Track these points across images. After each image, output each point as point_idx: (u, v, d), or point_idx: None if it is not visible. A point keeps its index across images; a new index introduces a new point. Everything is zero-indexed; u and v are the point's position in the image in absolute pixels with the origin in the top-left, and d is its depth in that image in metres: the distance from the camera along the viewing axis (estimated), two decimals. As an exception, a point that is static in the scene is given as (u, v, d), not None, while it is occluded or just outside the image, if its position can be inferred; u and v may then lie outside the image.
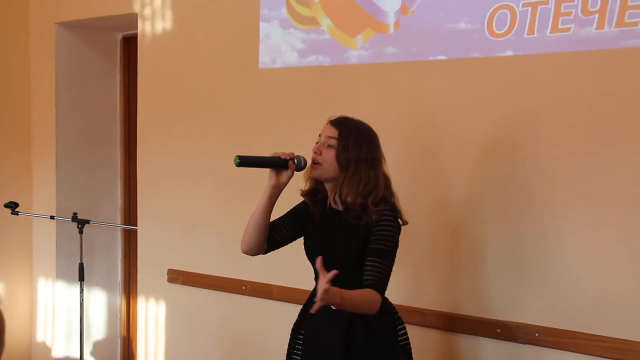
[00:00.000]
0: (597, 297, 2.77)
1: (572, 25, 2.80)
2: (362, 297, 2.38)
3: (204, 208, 4.04)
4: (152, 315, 4.33)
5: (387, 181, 2.56)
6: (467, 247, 3.10)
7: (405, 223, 2.56)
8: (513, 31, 2.93)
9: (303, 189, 2.64)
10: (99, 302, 4.96)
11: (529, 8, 2.88)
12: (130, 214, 4.99)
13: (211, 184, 4.01)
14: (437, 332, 3.17)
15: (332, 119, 2.56)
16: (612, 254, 2.75)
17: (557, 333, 2.84)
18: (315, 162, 2.51)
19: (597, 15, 2.73)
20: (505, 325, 2.97)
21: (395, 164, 3.21)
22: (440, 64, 3.15)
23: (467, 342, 3.10)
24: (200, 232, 4.07)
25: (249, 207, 3.76)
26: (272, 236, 2.63)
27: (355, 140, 2.48)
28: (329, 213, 2.59)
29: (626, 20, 2.68)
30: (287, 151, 2.53)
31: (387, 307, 2.56)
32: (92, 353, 4.91)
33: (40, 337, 5.00)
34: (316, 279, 2.61)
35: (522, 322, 2.93)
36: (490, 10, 2.98)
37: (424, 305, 3.19)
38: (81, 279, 4.35)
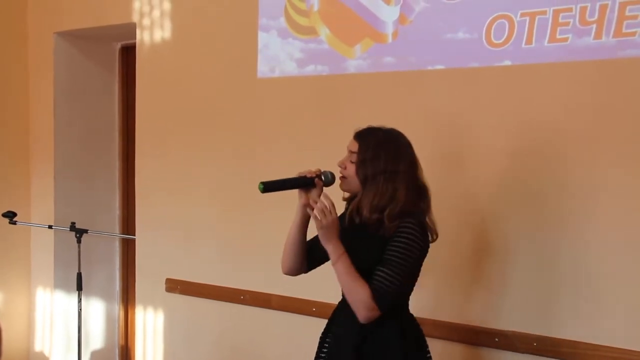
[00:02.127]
0: (596, 306, 2.77)
1: (570, 35, 2.81)
2: (356, 282, 2.35)
3: (202, 218, 4.04)
4: (150, 325, 4.32)
5: (420, 193, 2.48)
6: (465, 258, 3.10)
7: (434, 239, 2.50)
8: (511, 41, 2.94)
9: (344, 196, 2.60)
10: (97, 312, 4.96)
11: (527, 18, 2.89)
12: (128, 224, 4.99)
13: (209, 194, 4.01)
14: (435, 341, 3.16)
15: (357, 130, 2.53)
16: (610, 262, 2.75)
17: (556, 342, 2.84)
18: (342, 177, 2.51)
19: (594, 26, 2.74)
20: (504, 334, 2.97)
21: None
22: (438, 74, 3.16)
23: (465, 352, 3.09)
24: (198, 242, 4.07)
25: (247, 217, 3.79)
26: (311, 254, 2.60)
27: (373, 154, 2.43)
28: (352, 224, 2.52)
29: (624, 31, 2.69)
30: (314, 168, 2.51)
31: (405, 320, 2.52)
32: (90, 363, 4.91)
33: (38, 347, 4.99)
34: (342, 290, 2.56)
35: (521, 331, 2.93)
36: (489, 20, 2.99)
37: (423, 315, 3.18)
38: (79, 288, 4.34)
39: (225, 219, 3.92)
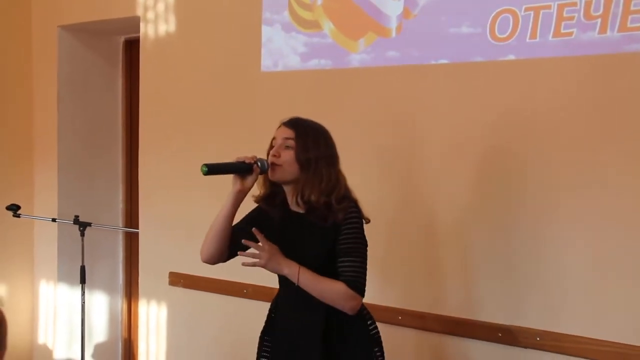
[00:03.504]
0: (599, 301, 2.77)
1: (575, 30, 2.80)
2: (327, 283, 2.39)
3: (205, 211, 4.01)
4: (153, 318, 4.33)
5: (344, 178, 2.54)
6: (469, 251, 3.10)
7: (367, 221, 2.53)
8: (515, 35, 2.93)
9: (256, 195, 2.60)
10: (100, 305, 4.97)
11: (532, 12, 2.89)
12: (131, 218, 5.00)
13: (213, 188, 4.00)
14: (438, 336, 3.17)
15: (284, 121, 2.56)
16: (614, 257, 2.75)
17: (558, 337, 2.84)
18: (274, 165, 2.48)
19: (599, 20, 2.74)
20: (506, 329, 2.97)
21: (395, 167, 3.23)
22: (442, 68, 3.16)
23: (469, 346, 3.10)
24: (201, 236, 4.02)
25: (250, 210, 3.78)
26: (233, 243, 2.58)
27: (313, 139, 2.48)
28: (290, 216, 2.54)
29: (629, 25, 2.68)
30: (250, 154, 2.51)
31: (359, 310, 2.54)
32: (94, 356, 4.91)
33: (41, 340, 5.00)
34: (279, 282, 2.63)
35: (523, 326, 2.93)
36: (493, 15, 2.98)
37: (424, 309, 3.19)
38: (82, 281, 4.35)
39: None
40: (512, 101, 2.98)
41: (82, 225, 4.33)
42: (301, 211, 2.49)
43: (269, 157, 2.50)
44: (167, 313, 4.26)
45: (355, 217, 2.44)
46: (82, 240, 4.34)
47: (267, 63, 3.73)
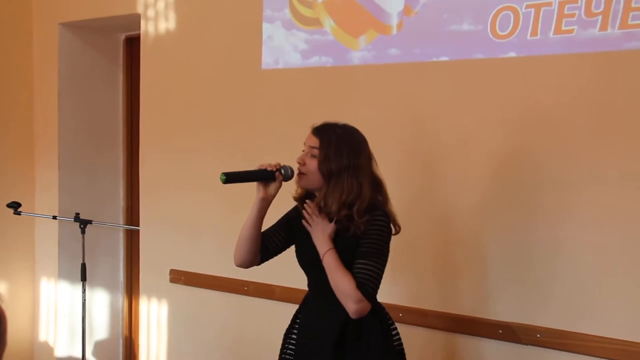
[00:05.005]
0: (600, 298, 2.78)
1: (576, 27, 2.80)
2: (343, 275, 2.36)
3: (206, 208, 4.04)
4: (154, 316, 4.33)
5: (378, 186, 2.50)
6: (469, 249, 3.10)
7: (397, 231, 2.51)
8: (516, 32, 2.93)
9: (295, 193, 2.60)
10: (101, 302, 4.97)
11: (532, 9, 2.89)
12: (132, 215, 5.00)
13: (213, 184, 3.98)
14: (439, 333, 3.17)
15: (315, 126, 2.54)
16: (615, 255, 2.75)
17: (559, 334, 2.85)
18: (300, 172, 2.49)
19: (600, 17, 2.74)
20: (507, 326, 2.97)
21: (397, 167, 3.23)
22: (443, 66, 3.16)
23: (469, 343, 3.10)
24: (202, 233, 4.08)
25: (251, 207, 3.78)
26: (264, 246, 2.59)
27: (336, 149, 2.44)
28: None
29: (630, 22, 2.68)
30: (273, 162, 2.51)
31: (380, 311, 2.53)
32: (94, 353, 4.92)
33: (42, 337, 5.00)
34: (309, 285, 2.62)
35: (524, 323, 2.93)
36: (494, 12, 2.98)
37: (426, 306, 3.19)
38: (83, 279, 4.35)
39: (229, 210, 3.92)
40: (513, 98, 2.98)
41: (83, 223, 4.33)
42: (329, 217, 2.48)
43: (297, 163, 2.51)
44: (168, 310, 4.26)
45: (379, 224, 2.41)
46: (83, 237, 4.34)
47: (267, 60, 3.73)
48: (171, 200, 4.21)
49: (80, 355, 4.46)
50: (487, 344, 3.04)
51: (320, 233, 2.45)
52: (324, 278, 2.43)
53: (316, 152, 2.46)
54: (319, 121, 3.29)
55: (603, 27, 2.73)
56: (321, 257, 2.43)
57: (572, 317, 2.83)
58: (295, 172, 2.51)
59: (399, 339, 2.57)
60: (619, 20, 2.69)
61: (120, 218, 5.05)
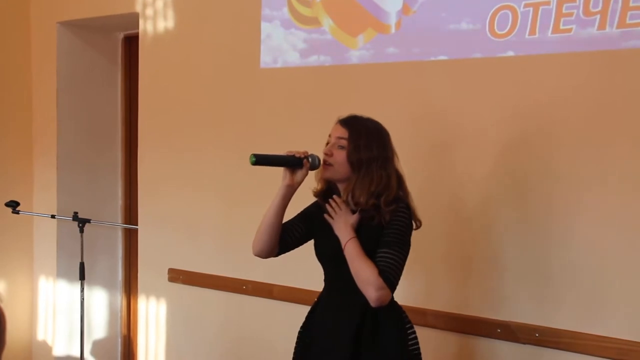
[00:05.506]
0: (599, 297, 2.78)
1: (574, 26, 2.80)
2: (365, 262, 2.35)
3: (205, 207, 4.04)
4: (152, 315, 4.33)
5: (400, 180, 2.52)
6: (468, 249, 3.10)
7: (417, 226, 2.52)
8: (514, 32, 2.93)
9: (316, 189, 2.61)
10: (99, 301, 4.97)
11: (531, 9, 2.89)
12: (131, 214, 5.00)
13: (212, 183, 4.01)
14: (435, 332, 3.17)
15: (341, 118, 2.54)
16: (614, 253, 2.75)
17: (558, 333, 2.85)
18: (326, 164, 2.49)
19: (598, 16, 2.74)
20: (505, 325, 2.97)
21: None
22: (441, 65, 3.16)
23: (468, 342, 3.10)
24: (201, 232, 4.08)
25: (250, 207, 3.79)
26: (283, 238, 2.59)
27: (366, 140, 2.46)
28: None
29: (628, 21, 2.68)
30: (301, 150, 2.51)
31: (397, 311, 2.52)
32: (93, 352, 4.91)
33: (40, 336, 5.00)
34: (326, 281, 2.62)
35: (523, 322, 2.93)
36: (492, 11, 2.98)
37: (423, 305, 3.19)
38: (82, 278, 4.35)
39: (227, 209, 3.92)
40: (511, 97, 2.98)
41: (82, 222, 4.33)
42: (352, 208, 2.49)
43: (323, 155, 2.50)
44: (167, 309, 4.26)
45: (403, 216, 2.42)
46: (82, 236, 4.34)
47: (266, 59, 3.73)
48: (170, 199, 4.21)
49: (78, 355, 4.46)
50: (485, 343, 3.04)
51: (343, 224, 2.45)
52: (343, 273, 2.43)
53: (344, 143, 2.46)
54: (317, 120, 3.30)
55: (601, 26, 2.73)
56: (343, 246, 2.42)
57: (570, 317, 2.83)
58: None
59: (416, 342, 2.54)
60: (617, 19, 2.69)
61: (119, 217, 5.05)
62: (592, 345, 2.77)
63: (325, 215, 2.52)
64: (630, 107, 2.71)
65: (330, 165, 2.49)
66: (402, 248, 2.41)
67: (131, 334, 5.03)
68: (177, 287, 4.17)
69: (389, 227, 2.40)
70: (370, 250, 2.40)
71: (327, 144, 2.53)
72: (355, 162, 2.44)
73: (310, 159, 2.50)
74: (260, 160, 2.46)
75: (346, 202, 2.50)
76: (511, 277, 2.97)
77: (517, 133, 2.96)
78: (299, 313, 3.56)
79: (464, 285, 3.12)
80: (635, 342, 2.68)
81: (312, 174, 2.56)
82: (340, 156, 2.47)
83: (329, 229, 2.51)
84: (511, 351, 2.97)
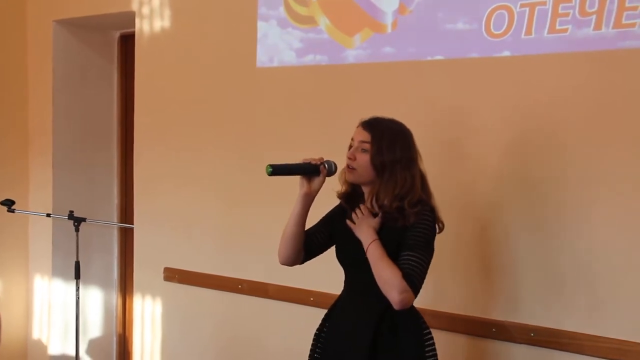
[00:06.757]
0: (596, 297, 2.78)
1: (570, 26, 2.80)
2: (388, 265, 2.34)
3: (200, 206, 4.04)
4: (148, 314, 4.33)
5: (423, 180, 2.51)
6: (465, 250, 3.10)
7: (440, 229, 2.49)
8: (511, 32, 2.93)
9: (339, 191, 2.60)
10: (95, 300, 4.96)
11: (527, 9, 2.89)
12: (126, 213, 4.99)
13: (208, 183, 4.01)
14: (434, 332, 3.17)
15: (363, 120, 2.52)
16: (611, 254, 2.75)
17: (554, 333, 2.85)
18: (350, 167, 2.48)
19: (594, 16, 2.74)
20: (501, 324, 2.97)
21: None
22: (437, 64, 3.16)
23: (464, 342, 3.10)
24: (196, 231, 4.07)
25: (246, 206, 3.79)
26: (307, 244, 2.58)
27: (388, 143, 2.43)
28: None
29: (624, 22, 2.68)
30: (317, 156, 2.50)
31: (415, 315, 2.51)
32: (88, 351, 4.91)
33: (36, 335, 5.00)
34: (346, 284, 2.59)
35: (518, 322, 2.94)
36: (488, 11, 2.98)
37: (420, 304, 3.19)
38: (77, 276, 4.34)
39: (223, 209, 3.92)
40: (507, 97, 2.98)
41: (77, 221, 4.33)
42: (376, 211, 2.47)
43: (346, 159, 2.49)
44: (162, 308, 4.26)
45: (427, 219, 2.41)
46: (77, 235, 4.33)
47: (262, 58, 3.73)
48: (165, 198, 4.20)
49: (74, 353, 4.45)
50: (481, 343, 3.04)
51: (365, 227, 2.44)
52: (364, 277, 2.41)
53: (367, 146, 2.45)
54: (313, 119, 3.30)
55: (597, 26, 2.74)
56: (365, 248, 2.41)
57: (567, 316, 2.83)
58: (342, 167, 2.51)
59: (434, 347, 2.52)
60: (613, 19, 2.70)
61: (115, 216, 5.05)
62: (588, 345, 2.76)
63: (348, 221, 2.50)
64: (630, 107, 2.71)
65: (353, 169, 2.47)
66: (426, 251, 2.39)
67: (126, 332, 5.03)
68: (173, 286, 4.17)
69: (413, 230, 2.39)
70: (392, 252, 2.38)
71: (350, 147, 2.51)
72: (379, 165, 2.42)
73: (326, 165, 2.49)
74: (277, 170, 2.44)
75: (370, 206, 2.48)
76: (507, 278, 2.97)
77: (512, 133, 2.96)
78: (295, 312, 3.59)
79: (459, 285, 3.11)
80: (632, 342, 2.68)
81: (334, 177, 2.55)
82: (363, 160, 2.45)
83: (350, 232, 2.50)
84: (507, 351, 2.97)
